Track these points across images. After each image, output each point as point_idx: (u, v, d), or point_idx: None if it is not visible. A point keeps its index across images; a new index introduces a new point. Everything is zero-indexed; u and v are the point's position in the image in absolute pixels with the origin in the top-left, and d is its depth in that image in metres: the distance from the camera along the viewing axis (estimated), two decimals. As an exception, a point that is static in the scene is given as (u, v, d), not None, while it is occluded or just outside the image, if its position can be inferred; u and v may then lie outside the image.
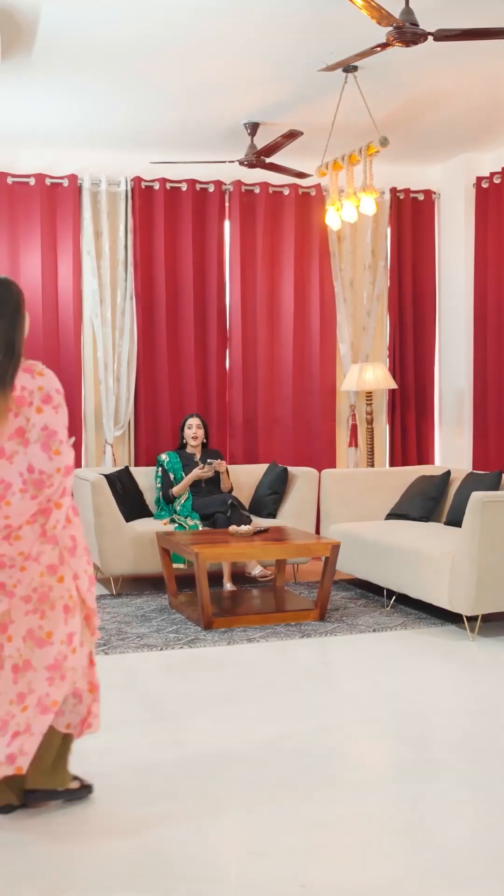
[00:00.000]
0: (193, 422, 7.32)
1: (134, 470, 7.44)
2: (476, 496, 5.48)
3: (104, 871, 2.96)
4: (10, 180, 7.50)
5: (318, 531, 7.34)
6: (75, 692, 3.32)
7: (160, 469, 7.23)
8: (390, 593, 6.48)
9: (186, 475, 7.14)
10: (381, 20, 4.45)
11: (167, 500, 7.14)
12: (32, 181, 7.53)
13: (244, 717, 4.37)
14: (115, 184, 7.74)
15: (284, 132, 6.44)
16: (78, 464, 7.61)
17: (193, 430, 7.27)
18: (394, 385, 7.92)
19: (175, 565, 6.53)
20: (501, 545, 5.46)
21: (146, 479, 7.42)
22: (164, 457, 7.27)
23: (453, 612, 5.68)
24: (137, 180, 7.74)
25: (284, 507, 7.25)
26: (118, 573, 6.77)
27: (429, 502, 6.83)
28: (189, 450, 7.30)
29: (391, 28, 4.61)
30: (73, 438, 3.35)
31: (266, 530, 6.37)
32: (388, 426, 8.39)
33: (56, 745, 3.30)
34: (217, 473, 7.18)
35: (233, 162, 7.09)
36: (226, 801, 3.48)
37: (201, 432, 7.29)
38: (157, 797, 3.52)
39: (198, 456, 7.27)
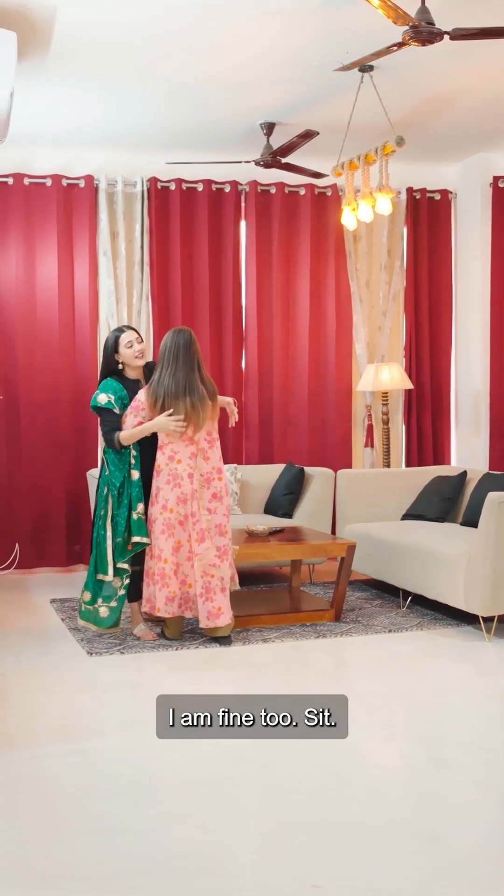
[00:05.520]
0: (132, 335, 5.54)
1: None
2: (492, 497, 5.46)
3: (115, 869, 2.96)
4: (26, 181, 7.52)
5: (333, 531, 7.33)
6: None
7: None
8: (406, 594, 6.46)
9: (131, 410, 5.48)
10: (397, 19, 4.44)
11: (112, 445, 5.45)
12: (49, 182, 7.56)
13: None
14: (131, 184, 7.75)
15: (300, 132, 6.44)
16: (94, 464, 7.63)
17: (135, 348, 5.52)
18: (410, 385, 7.90)
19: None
20: (517, 546, 5.44)
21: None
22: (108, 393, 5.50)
23: (469, 612, 5.65)
24: (153, 181, 7.75)
25: (300, 508, 7.24)
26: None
27: (445, 503, 6.81)
28: (130, 374, 5.62)
29: (407, 27, 4.60)
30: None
31: (282, 530, 6.36)
32: (404, 426, 8.36)
33: None
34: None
35: (249, 162, 7.08)
36: (239, 800, 3.48)
37: (144, 348, 5.60)
38: (170, 796, 3.53)
39: (143, 384, 5.59)
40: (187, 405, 5.34)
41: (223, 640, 5.48)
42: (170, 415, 5.34)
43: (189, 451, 5.42)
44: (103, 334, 7.74)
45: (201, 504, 5.40)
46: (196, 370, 5.44)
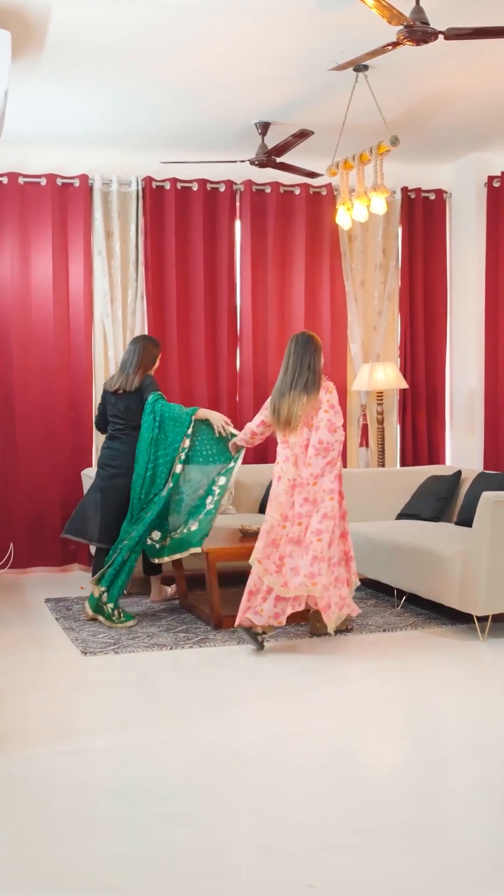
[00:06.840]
0: None
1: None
2: (487, 496, 5.46)
3: (115, 869, 2.96)
4: (21, 180, 7.51)
5: (328, 531, 7.31)
6: None
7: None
8: (401, 593, 6.46)
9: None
10: (392, 19, 4.44)
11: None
12: (44, 181, 7.54)
13: (254, 716, 4.37)
14: (125, 184, 7.74)
15: (295, 132, 6.44)
16: (89, 463, 7.62)
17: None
18: (405, 385, 7.90)
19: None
20: (513, 545, 5.45)
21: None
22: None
23: (464, 612, 5.66)
24: (148, 180, 7.74)
25: (295, 507, 7.22)
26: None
27: (439, 502, 6.81)
28: None
29: (402, 27, 4.60)
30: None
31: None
32: (398, 426, 8.37)
33: None
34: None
35: (244, 162, 7.08)
36: (234, 800, 3.48)
37: None
38: (166, 796, 3.52)
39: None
40: (286, 401, 5.39)
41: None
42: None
43: (284, 454, 5.44)
44: (98, 334, 7.73)
45: (279, 510, 5.37)
46: (299, 369, 5.41)
